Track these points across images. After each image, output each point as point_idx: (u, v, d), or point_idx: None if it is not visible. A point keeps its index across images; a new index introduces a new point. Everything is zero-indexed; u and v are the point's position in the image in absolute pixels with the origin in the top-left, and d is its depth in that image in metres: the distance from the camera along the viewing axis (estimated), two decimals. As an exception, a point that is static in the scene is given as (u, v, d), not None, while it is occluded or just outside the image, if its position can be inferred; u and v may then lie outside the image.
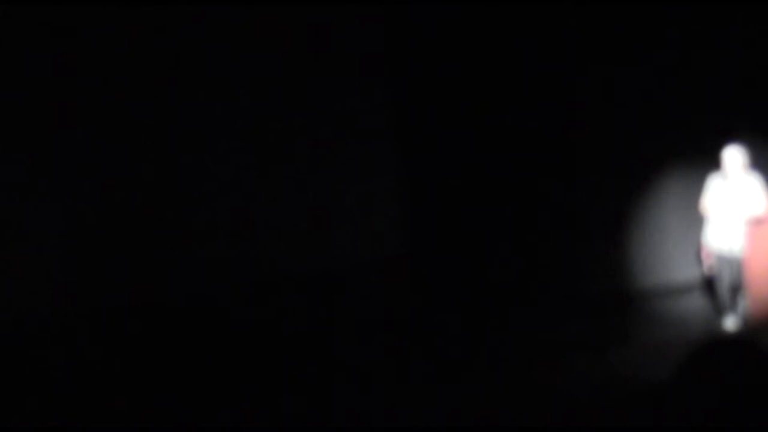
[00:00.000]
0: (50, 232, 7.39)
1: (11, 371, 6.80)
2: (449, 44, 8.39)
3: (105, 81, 7.50)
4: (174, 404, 6.35)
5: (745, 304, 7.90)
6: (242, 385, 6.69)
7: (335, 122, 8.25)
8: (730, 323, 7.91)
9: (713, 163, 8.09)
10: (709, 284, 8.41)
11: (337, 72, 8.23)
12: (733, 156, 7.87)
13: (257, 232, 7.97)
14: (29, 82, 7.29)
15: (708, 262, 8.10)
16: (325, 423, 5.98)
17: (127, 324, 7.34)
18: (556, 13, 8.62)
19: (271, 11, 7.89)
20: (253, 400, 6.37)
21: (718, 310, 8.07)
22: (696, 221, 9.04)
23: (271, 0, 7.87)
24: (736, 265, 7.80)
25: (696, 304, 8.70)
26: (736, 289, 7.89)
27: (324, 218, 8.19)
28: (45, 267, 7.31)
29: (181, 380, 6.84)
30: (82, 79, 7.43)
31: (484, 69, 8.51)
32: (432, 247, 8.57)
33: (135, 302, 7.42)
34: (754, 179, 7.92)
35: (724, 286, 7.93)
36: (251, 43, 7.92)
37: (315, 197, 8.17)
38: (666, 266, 9.36)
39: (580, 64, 8.86)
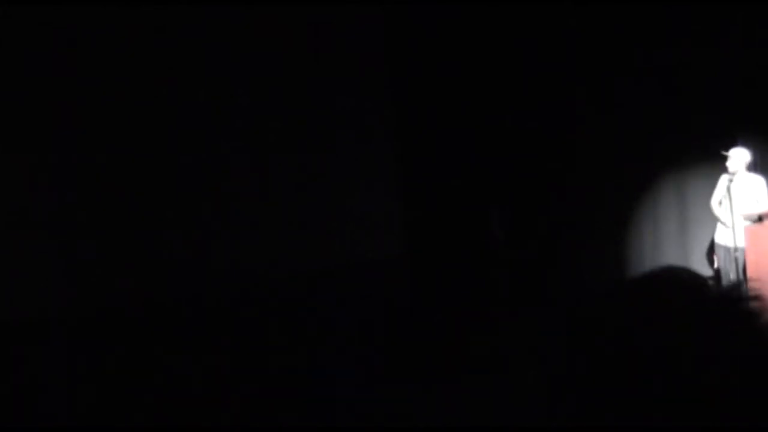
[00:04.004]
0: (50, 232, 7.39)
1: (11, 371, 6.80)
2: (449, 44, 8.39)
3: (104, 81, 7.49)
4: (174, 404, 6.34)
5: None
6: (242, 385, 6.68)
7: (335, 122, 8.24)
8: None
9: (716, 163, 8.11)
10: (717, 281, 8.45)
11: (337, 72, 8.23)
12: (738, 156, 7.95)
13: (256, 233, 7.97)
14: (29, 82, 7.28)
15: (717, 259, 8.21)
16: (324, 422, 5.98)
17: (126, 324, 7.34)
18: (556, 13, 8.62)
19: (271, 11, 7.89)
20: (253, 399, 6.37)
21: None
22: (699, 221, 9.07)
23: (271, 0, 7.87)
24: (741, 263, 7.85)
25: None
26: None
27: (323, 219, 8.18)
28: (45, 267, 7.31)
29: (181, 380, 6.83)
30: (81, 80, 7.42)
31: (484, 69, 8.51)
32: (431, 248, 8.57)
33: (133, 303, 7.41)
34: (758, 178, 8.01)
35: (730, 283, 8.00)
36: (251, 43, 7.92)
37: (314, 198, 8.17)
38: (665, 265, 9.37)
39: (581, 64, 8.86)
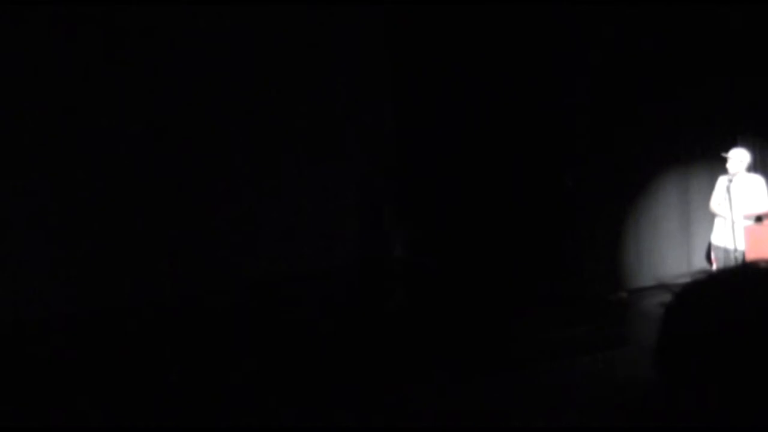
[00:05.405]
0: (50, 233, 7.39)
1: (11, 371, 6.81)
2: (449, 45, 8.38)
3: (105, 81, 7.50)
4: (167, 404, 6.34)
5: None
6: (234, 384, 6.67)
7: (335, 122, 8.25)
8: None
9: (717, 162, 8.11)
10: None
11: (337, 72, 8.23)
12: (738, 156, 7.96)
13: (256, 233, 7.98)
14: (30, 83, 7.29)
15: (715, 260, 8.22)
16: (325, 422, 5.98)
17: (116, 326, 7.35)
18: (557, 13, 8.62)
19: (271, 11, 7.89)
20: (245, 400, 6.37)
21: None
22: (696, 222, 9.07)
23: (271, 0, 7.88)
24: (740, 263, 7.87)
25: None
26: None
27: (322, 218, 8.19)
28: (45, 268, 7.31)
29: (172, 380, 6.83)
30: (81, 79, 7.43)
31: (483, 71, 8.50)
32: (431, 250, 8.56)
33: (121, 305, 7.42)
34: (757, 178, 8.03)
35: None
36: (251, 43, 7.92)
37: (315, 197, 8.17)
38: (667, 267, 9.37)
39: (580, 65, 8.86)
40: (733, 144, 8.60)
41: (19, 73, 7.27)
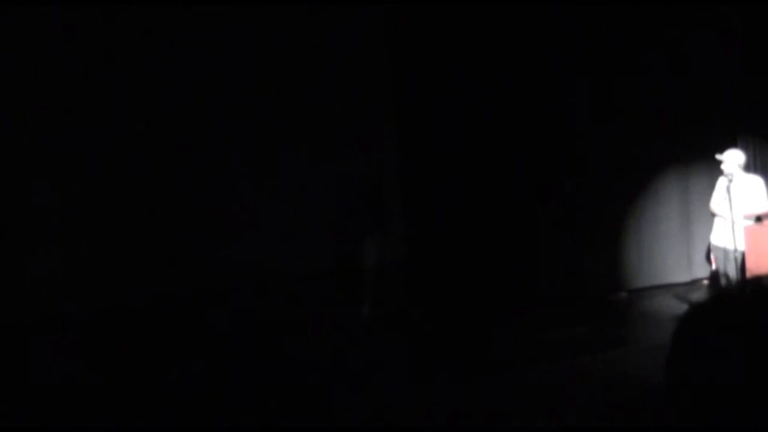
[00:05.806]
0: (50, 233, 7.39)
1: (11, 371, 6.81)
2: (449, 45, 8.38)
3: (105, 81, 7.50)
4: (167, 404, 6.34)
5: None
6: (234, 384, 6.66)
7: (335, 122, 8.25)
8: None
9: (716, 162, 8.11)
10: (715, 281, 8.46)
11: (337, 73, 8.23)
12: (733, 158, 7.94)
13: (257, 232, 7.98)
14: (29, 82, 7.29)
15: (715, 261, 8.22)
16: (325, 422, 5.98)
17: (116, 326, 7.35)
18: (558, 12, 8.62)
19: (271, 11, 7.89)
20: (244, 399, 6.37)
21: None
22: (697, 222, 9.06)
23: (271, 0, 7.88)
24: (740, 263, 7.85)
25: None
26: None
27: (322, 218, 8.19)
28: (45, 268, 7.31)
29: (172, 379, 6.82)
30: (81, 79, 7.43)
31: (483, 71, 8.50)
32: (432, 250, 8.56)
33: (121, 305, 7.42)
34: (756, 179, 8.02)
35: (728, 284, 7.99)
36: (251, 43, 7.92)
37: (315, 197, 8.17)
38: (667, 267, 9.37)
39: (582, 63, 8.85)
40: (732, 144, 8.59)
41: (19, 73, 7.27)
